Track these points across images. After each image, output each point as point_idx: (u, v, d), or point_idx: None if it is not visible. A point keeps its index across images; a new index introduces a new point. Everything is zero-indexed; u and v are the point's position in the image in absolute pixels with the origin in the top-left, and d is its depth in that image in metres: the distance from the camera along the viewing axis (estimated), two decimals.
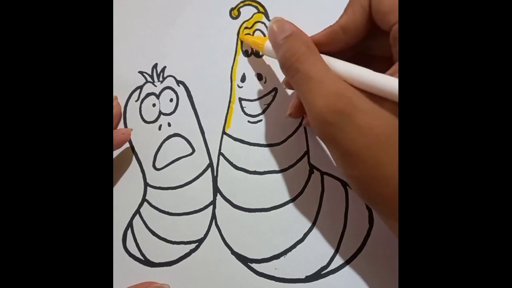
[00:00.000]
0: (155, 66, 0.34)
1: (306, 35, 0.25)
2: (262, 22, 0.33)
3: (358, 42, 0.25)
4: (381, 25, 0.23)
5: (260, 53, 0.32)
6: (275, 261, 0.29)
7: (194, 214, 0.31)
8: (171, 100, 0.33)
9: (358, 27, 0.24)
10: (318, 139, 0.30)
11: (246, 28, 0.33)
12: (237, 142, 0.32)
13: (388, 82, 0.21)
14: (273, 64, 0.32)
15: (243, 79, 0.32)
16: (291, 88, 0.29)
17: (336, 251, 0.28)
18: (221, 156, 0.32)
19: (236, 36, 0.33)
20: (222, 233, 0.30)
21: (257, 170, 0.31)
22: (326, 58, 0.24)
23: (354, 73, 0.22)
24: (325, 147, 0.30)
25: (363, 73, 0.22)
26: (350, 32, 0.24)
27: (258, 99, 0.32)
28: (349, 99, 0.21)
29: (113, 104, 0.34)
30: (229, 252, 0.30)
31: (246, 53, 0.33)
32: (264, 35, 0.32)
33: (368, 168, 0.21)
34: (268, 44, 0.28)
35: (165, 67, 0.34)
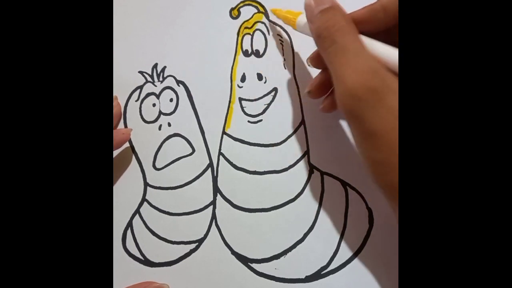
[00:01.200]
0: (155, 66, 0.34)
1: (344, 10, 0.24)
2: (262, 22, 0.33)
3: (395, 26, 0.24)
4: None
5: (261, 53, 0.32)
6: (275, 261, 0.29)
7: (194, 214, 0.31)
8: (171, 100, 0.33)
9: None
10: (319, 137, 0.30)
11: (246, 28, 0.33)
12: (237, 142, 0.32)
13: None
14: (273, 64, 0.32)
15: (243, 79, 0.32)
16: (315, 66, 0.28)
17: (336, 251, 0.28)
18: (221, 156, 0.32)
19: (236, 36, 0.33)
20: (222, 233, 0.30)
21: (257, 170, 0.31)
22: (362, 38, 0.23)
23: (390, 55, 0.22)
24: (325, 148, 0.30)
25: (396, 54, 0.22)
26: (391, 12, 0.24)
27: (258, 99, 0.32)
28: (383, 78, 0.21)
29: (113, 104, 0.33)
30: (229, 252, 0.30)
31: (246, 53, 0.33)
32: (264, 35, 0.33)
33: (392, 152, 0.20)
34: (300, 19, 0.27)
35: (165, 67, 0.34)
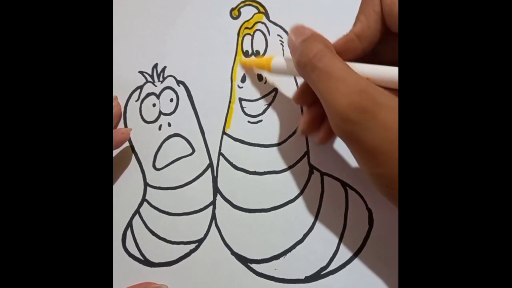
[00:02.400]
0: (155, 66, 0.34)
1: (325, 38, 0.24)
2: (263, 23, 0.33)
3: (371, 51, 0.25)
4: (395, 28, 0.23)
5: (261, 53, 0.32)
6: (274, 261, 0.29)
7: (194, 214, 0.31)
8: (171, 100, 0.33)
9: (373, 33, 0.24)
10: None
11: (246, 28, 0.33)
12: (237, 142, 0.32)
13: None
14: None
15: (243, 79, 0.32)
16: (301, 103, 0.28)
17: (336, 251, 0.28)
18: (221, 156, 0.32)
19: (236, 36, 0.33)
20: (222, 233, 0.30)
21: (257, 171, 0.31)
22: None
23: (375, 71, 0.22)
24: (325, 148, 0.30)
25: (384, 70, 0.22)
26: (366, 39, 0.24)
27: (258, 99, 0.32)
28: (372, 96, 0.21)
29: (113, 104, 0.33)
30: (229, 252, 0.30)
31: (246, 54, 0.33)
32: (265, 36, 0.32)
33: (394, 164, 0.20)
34: (275, 61, 0.28)
35: (165, 67, 0.34)
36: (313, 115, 0.27)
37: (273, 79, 0.32)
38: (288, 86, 0.32)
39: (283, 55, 0.32)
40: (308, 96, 0.27)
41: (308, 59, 0.23)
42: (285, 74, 0.28)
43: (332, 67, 0.22)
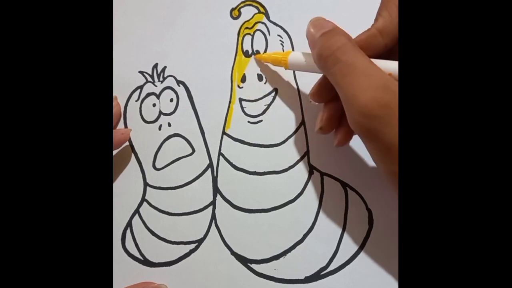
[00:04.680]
0: (156, 66, 0.34)
1: (346, 32, 0.24)
2: (263, 23, 0.33)
3: (395, 47, 0.24)
4: None
5: (261, 53, 0.32)
6: (274, 261, 0.29)
7: (194, 214, 0.31)
8: (171, 100, 0.33)
9: (396, 28, 0.23)
10: (319, 138, 0.30)
11: (246, 28, 0.33)
12: (237, 143, 0.32)
13: None
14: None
15: (243, 79, 0.32)
16: (318, 100, 0.27)
17: (336, 252, 0.28)
18: (221, 157, 0.32)
19: (236, 36, 0.33)
20: (222, 233, 0.30)
21: (257, 171, 0.31)
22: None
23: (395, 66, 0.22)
24: (325, 148, 0.30)
25: None
26: (389, 34, 0.24)
27: (258, 99, 0.32)
28: (394, 92, 0.21)
29: (113, 104, 0.33)
30: (229, 252, 0.30)
31: (246, 54, 0.33)
32: (265, 36, 0.32)
33: None
34: (292, 57, 0.27)
35: (165, 67, 0.34)
36: (331, 113, 0.26)
37: (273, 79, 0.32)
38: (288, 86, 0.32)
39: None
40: (325, 93, 0.26)
41: (331, 51, 0.23)
42: (302, 70, 0.28)
43: (356, 61, 0.22)
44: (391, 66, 0.23)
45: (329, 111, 0.27)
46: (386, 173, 0.22)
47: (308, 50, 0.26)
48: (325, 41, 0.23)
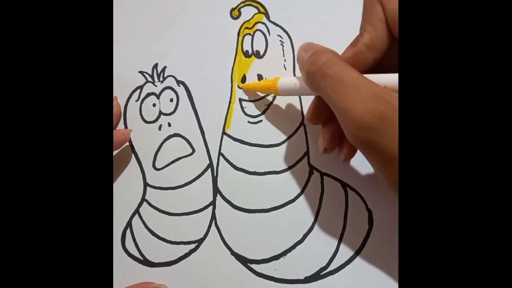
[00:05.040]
0: (156, 66, 0.34)
1: (333, 51, 0.24)
2: (263, 23, 0.33)
3: (383, 60, 0.24)
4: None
5: (261, 53, 0.32)
6: (274, 261, 0.29)
7: (194, 214, 0.31)
8: (171, 100, 0.33)
9: (382, 41, 0.23)
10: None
11: (246, 28, 0.33)
12: (237, 143, 0.32)
13: None
14: (274, 65, 0.32)
15: (243, 79, 0.32)
16: (315, 122, 0.27)
17: (336, 252, 0.28)
18: (221, 157, 0.32)
19: (236, 36, 0.33)
20: (222, 233, 0.30)
21: (257, 171, 0.31)
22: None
23: (388, 79, 0.22)
24: None
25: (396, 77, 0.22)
26: (376, 48, 0.23)
27: (258, 99, 0.32)
28: (388, 101, 0.20)
29: (113, 103, 0.33)
30: (229, 252, 0.30)
31: (246, 54, 0.33)
32: (265, 36, 0.32)
33: None
34: (281, 82, 0.27)
35: (165, 67, 0.34)
36: (331, 132, 0.26)
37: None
38: None
39: (283, 55, 0.32)
40: (321, 114, 0.26)
41: (318, 67, 0.22)
42: (293, 94, 0.27)
43: (344, 74, 0.22)
44: (385, 80, 0.23)
45: (329, 131, 0.26)
46: (388, 182, 0.22)
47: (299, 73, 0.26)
48: (312, 58, 0.23)
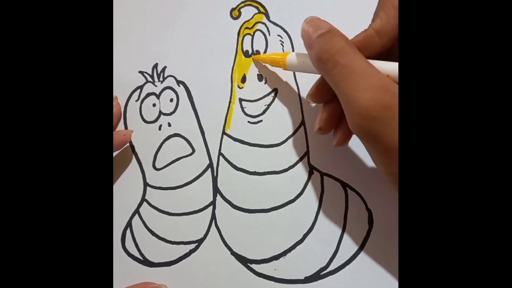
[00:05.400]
0: (156, 66, 0.34)
1: (343, 34, 0.24)
2: (263, 23, 0.33)
3: (392, 47, 0.24)
4: None
5: (261, 53, 0.32)
6: (274, 261, 0.29)
7: (194, 214, 0.31)
8: (171, 100, 0.33)
9: (393, 28, 0.24)
10: (319, 138, 0.30)
11: (246, 28, 0.33)
12: (237, 143, 0.32)
13: None
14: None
15: (243, 79, 0.32)
16: (317, 101, 0.27)
17: (336, 252, 0.28)
18: (221, 157, 0.32)
19: (236, 36, 0.33)
20: (222, 233, 0.30)
21: (257, 171, 0.31)
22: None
23: (392, 67, 0.22)
24: (325, 148, 0.30)
25: None
26: (386, 35, 0.24)
27: (258, 99, 0.32)
28: (394, 93, 0.21)
29: (113, 104, 0.33)
30: (229, 252, 0.30)
31: (246, 54, 0.33)
32: (265, 36, 0.32)
33: None
34: (290, 57, 0.27)
35: (165, 67, 0.34)
36: (330, 113, 0.26)
37: (273, 79, 0.32)
38: (288, 86, 0.32)
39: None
40: (324, 93, 0.26)
41: (330, 55, 0.22)
42: (301, 71, 0.28)
43: (354, 63, 0.22)
44: (389, 67, 0.23)
45: (328, 111, 0.27)
46: (386, 174, 0.22)
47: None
48: (323, 43, 0.23)
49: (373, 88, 0.21)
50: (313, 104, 0.31)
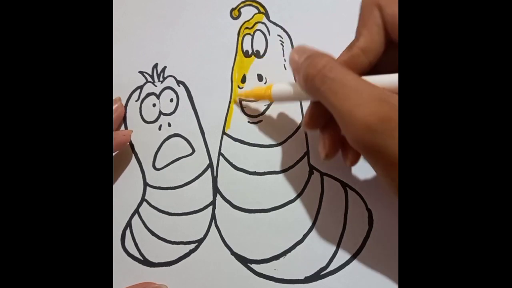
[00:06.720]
0: (156, 66, 0.34)
1: (329, 54, 0.23)
2: (263, 23, 0.33)
3: (378, 63, 0.24)
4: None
5: (261, 53, 0.32)
6: (274, 261, 0.29)
7: (194, 214, 0.31)
8: (171, 100, 0.33)
9: (378, 45, 0.23)
10: (318, 140, 0.30)
11: (246, 28, 0.33)
12: (237, 143, 0.32)
13: None
14: (274, 65, 0.32)
15: (243, 79, 0.32)
16: (313, 128, 0.26)
17: (336, 252, 0.28)
18: (221, 157, 0.32)
19: (236, 36, 0.33)
20: (222, 233, 0.30)
21: (257, 171, 0.31)
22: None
23: (391, 80, 0.22)
24: None
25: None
26: (372, 52, 0.23)
27: (258, 99, 0.32)
28: (392, 104, 0.20)
29: (117, 105, 0.33)
30: (229, 252, 0.30)
31: (246, 54, 0.33)
32: (265, 36, 0.32)
33: None
34: (275, 88, 0.27)
35: (165, 67, 0.34)
36: (331, 137, 0.26)
37: (273, 79, 0.32)
38: None
39: (283, 55, 0.32)
40: (318, 119, 0.26)
41: (317, 70, 0.22)
42: (289, 100, 0.27)
43: (344, 77, 0.21)
44: (384, 80, 0.22)
45: (329, 136, 0.26)
46: (393, 186, 0.21)
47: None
48: (309, 62, 0.23)
49: (368, 101, 0.20)
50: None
